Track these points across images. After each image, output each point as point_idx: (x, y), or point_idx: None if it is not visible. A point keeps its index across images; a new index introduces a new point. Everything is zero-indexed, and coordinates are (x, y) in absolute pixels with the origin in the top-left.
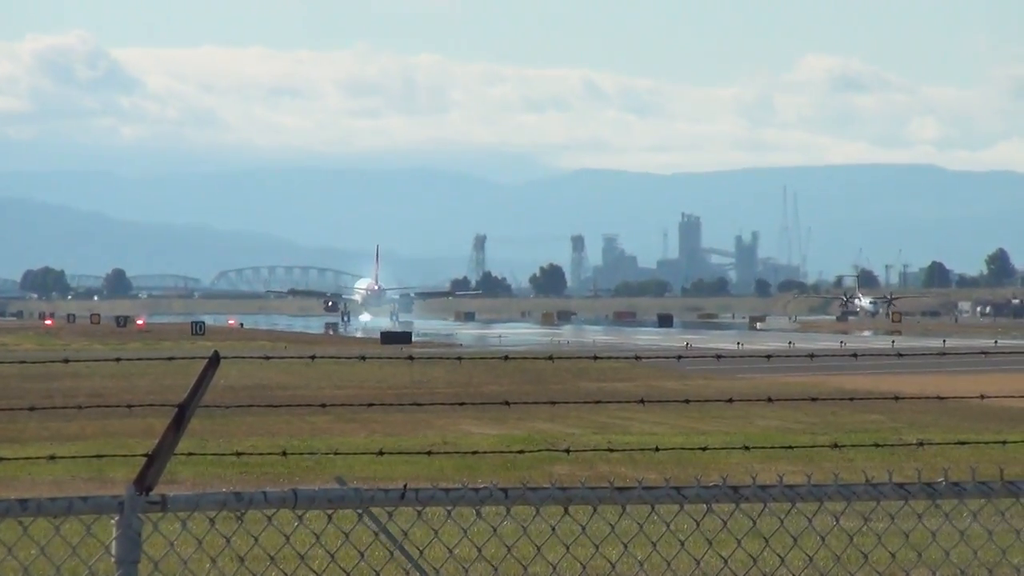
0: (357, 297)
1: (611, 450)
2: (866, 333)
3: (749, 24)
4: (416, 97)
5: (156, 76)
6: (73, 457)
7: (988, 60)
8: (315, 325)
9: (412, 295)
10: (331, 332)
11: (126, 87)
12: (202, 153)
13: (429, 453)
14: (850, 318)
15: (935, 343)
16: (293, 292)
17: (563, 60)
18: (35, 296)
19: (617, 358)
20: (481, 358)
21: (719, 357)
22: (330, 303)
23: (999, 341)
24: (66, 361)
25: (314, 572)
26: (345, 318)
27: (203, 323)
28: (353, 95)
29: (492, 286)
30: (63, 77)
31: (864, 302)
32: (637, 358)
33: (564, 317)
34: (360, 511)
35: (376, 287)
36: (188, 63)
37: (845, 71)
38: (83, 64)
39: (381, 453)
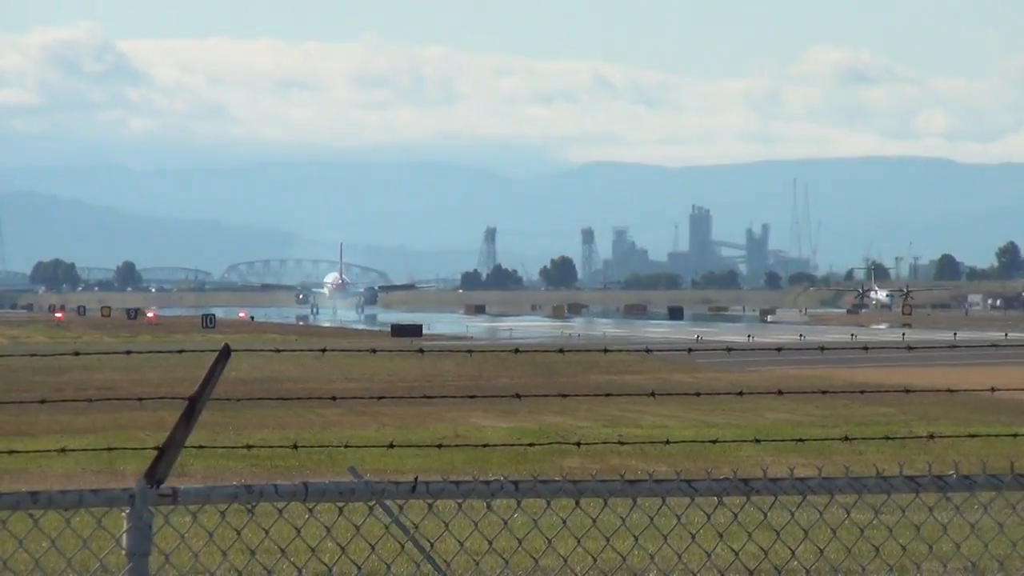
0: (325, 291)
1: (622, 443)
2: (883, 326)
3: (757, 16)
4: (425, 90)
5: (164, 68)
6: (84, 450)
7: (997, 52)
8: (283, 316)
9: (376, 288)
10: (301, 323)
11: (134, 79)
12: (211, 146)
13: (440, 446)
14: (861, 311)
15: (946, 336)
16: (265, 286)
17: (572, 53)
18: (43, 289)
19: (628, 351)
20: (492, 351)
21: (730, 350)
22: (301, 296)
23: (1009, 334)
24: (76, 354)
25: (325, 565)
26: (314, 310)
27: (214, 316)
28: (362, 88)
29: (503, 279)
30: (71, 70)
31: (881, 295)
32: (648, 351)
33: (575, 310)
34: (371, 504)
35: (341, 281)
36: (196, 55)
37: (854, 63)
38: (90, 57)
39: (392, 446)
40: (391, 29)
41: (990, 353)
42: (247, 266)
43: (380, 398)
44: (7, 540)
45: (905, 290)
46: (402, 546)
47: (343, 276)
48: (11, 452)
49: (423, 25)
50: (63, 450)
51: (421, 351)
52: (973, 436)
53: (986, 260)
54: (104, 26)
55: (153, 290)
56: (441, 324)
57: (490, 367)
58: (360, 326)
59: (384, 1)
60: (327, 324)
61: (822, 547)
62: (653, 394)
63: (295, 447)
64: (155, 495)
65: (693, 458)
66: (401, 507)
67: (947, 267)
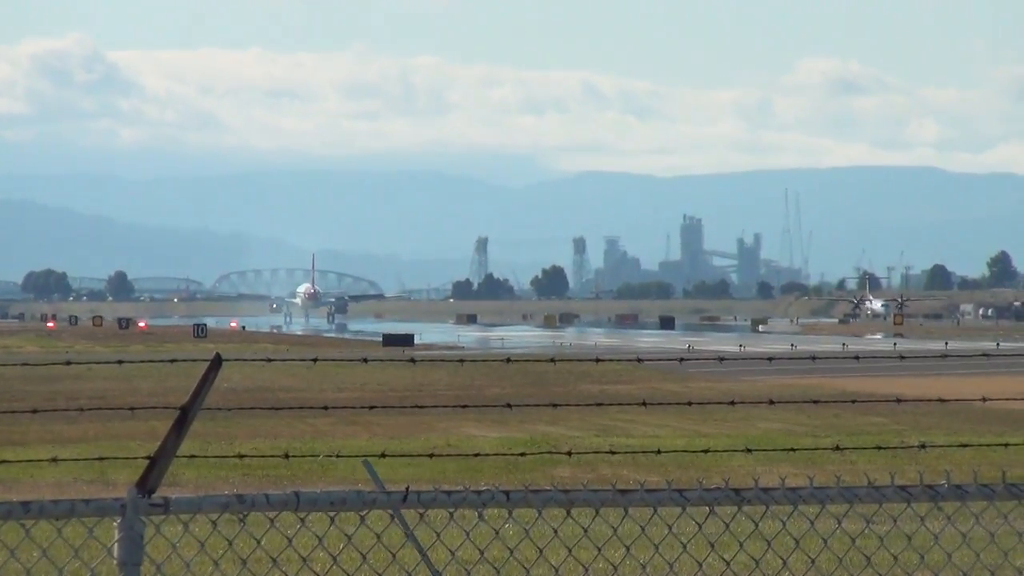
0: (298, 301)
1: (613, 452)
2: (878, 335)
3: (747, 27)
4: (415, 99)
5: (154, 78)
6: (75, 459)
7: (987, 61)
8: (257, 325)
9: (346, 298)
10: (274, 331)
11: (124, 90)
12: (202, 155)
13: (431, 455)
14: (851, 320)
15: (937, 345)
16: (241, 296)
17: (562, 62)
18: (31, 297)
19: (619, 360)
20: (483, 360)
21: (721, 359)
22: (274, 305)
23: (1001, 343)
24: (68, 363)
25: (316, 574)
26: (287, 320)
27: (205, 325)
28: (352, 97)
29: (494, 288)
30: (61, 80)
31: (876, 304)
32: (639, 360)
33: (566, 319)
34: (363, 514)
35: (313, 291)
36: (186, 65)
37: (843, 73)
38: (80, 67)
39: (383, 455)
40: (380, 39)
41: (982, 363)
42: (238, 276)
43: (371, 407)
44: None
45: (900, 300)
46: (393, 555)
47: (314, 286)
48: (2, 462)
49: (412, 36)
50: (54, 460)
51: (413, 360)
52: (964, 446)
53: (977, 270)
54: (94, 36)
55: (147, 299)
56: (432, 334)
57: (481, 377)
58: (332, 334)
59: (373, 12)
60: (300, 332)
61: (813, 557)
62: (644, 404)
63: (286, 456)
64: (147, 505)
65: (684, 468)
66: (392, 517)
67: (938, 277)
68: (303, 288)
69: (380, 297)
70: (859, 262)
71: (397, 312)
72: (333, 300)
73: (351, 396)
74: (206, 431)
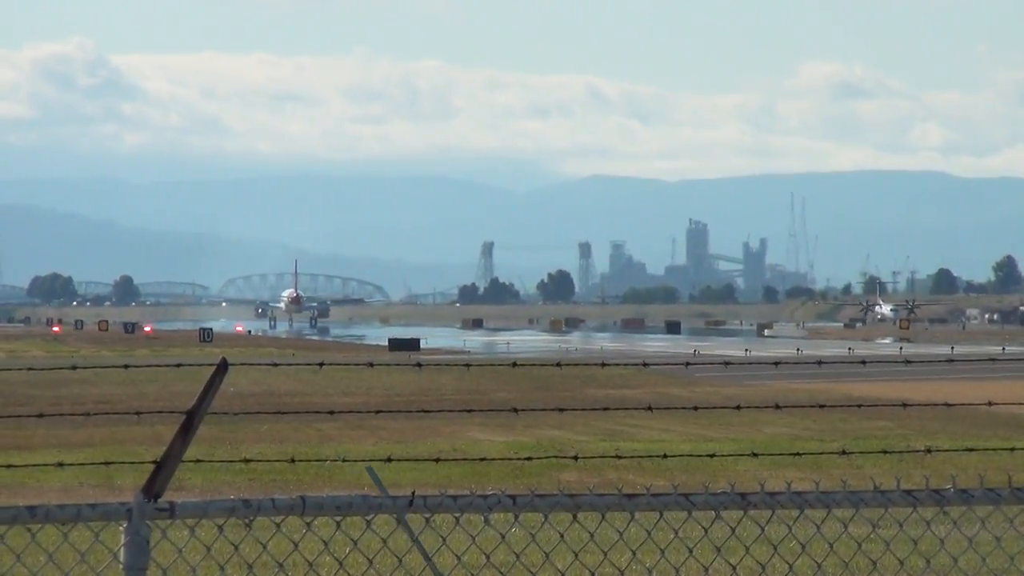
0: (281, 305)
1: (619, 457)
2: (887, 340)
3: (751, 31)
4: (419, 103)
5: (157, 82)
6: (81, 464)
7: (991, 65)
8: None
9: (328, 303)
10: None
11: (128, 94)
12: (206, 160)
13: (437, 460)
14: (858, 325)
15: (943, 350)
16: (227, 300)
17: (566, 66)
18: (37, 301)
19: (625, 365)
20: (489, 365)
21: (727, 364)
22: (260, 310)
23: (1007, 348)
24: (74, 368)
25: None
26: (272, 323)
27: (211, 330)
28: (356, 101)
29: (500, 293)
30: (64, 84)
31: (886, 309)
32: (645, 365)
33: (572, 324)
34: (368, 518)
35: (296, 295)
36: (189, 69)
37: (847, 77)
38: (83, 71)
39: (389, 460)
40: (384, 43)
41: (987, 367)
42: (244, 280)
43: (378, 412)
44: (5, 554)
45: (910, 304)
46: (399, 560)
47: (298, 290)
48: (8, 466)
49: (416, 39)
50: (60, 464)
51: (419, 365)
52: (970, 450)
53: (982, 274)
54: (97, 41)
55: (152, 303)
56: (438, 338)
57: (487, 381)
58: (315, 337)
59: (376, 15)
60: (284, 336)
61: (820, 561)
62: (650, 408)
63: (292, 461)
64: (153, 509)
65: (690, 472)
66: (398, 521)
67: (944, 281)
68: (287, 293)
69: (360, 301)
70: (864, 266)
71: (403, 316)
72: (316, 305)
73: (357, 400)
74: (212, 435)
